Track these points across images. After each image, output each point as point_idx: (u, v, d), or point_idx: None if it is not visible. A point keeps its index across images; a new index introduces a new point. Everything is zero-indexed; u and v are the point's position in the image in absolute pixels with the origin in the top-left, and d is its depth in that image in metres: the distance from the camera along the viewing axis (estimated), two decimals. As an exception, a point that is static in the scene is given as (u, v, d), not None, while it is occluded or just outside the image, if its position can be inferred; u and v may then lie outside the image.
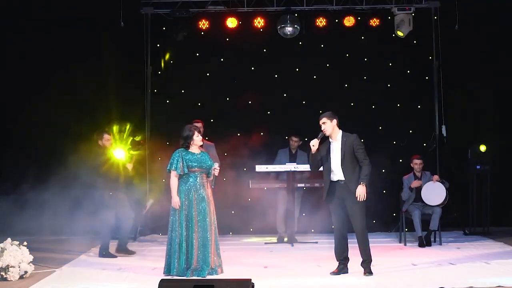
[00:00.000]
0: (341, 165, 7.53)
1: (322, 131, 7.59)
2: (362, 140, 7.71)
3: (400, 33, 11.17)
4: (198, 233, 7.57)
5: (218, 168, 7.78)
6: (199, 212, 7.62)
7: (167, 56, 11.59)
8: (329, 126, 7.58)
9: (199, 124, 9.57)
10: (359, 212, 7.52)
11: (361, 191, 7.45)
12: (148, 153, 11.14)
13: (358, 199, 7.45)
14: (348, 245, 7.70)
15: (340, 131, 7.66)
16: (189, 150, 7.72)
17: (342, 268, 7.65)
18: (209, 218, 7.69)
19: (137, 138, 9.06)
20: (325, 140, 7.67)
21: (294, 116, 11.40)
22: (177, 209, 7.60)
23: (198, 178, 7.67)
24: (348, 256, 7.70)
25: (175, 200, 7.62)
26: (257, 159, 10.47)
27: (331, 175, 7.61)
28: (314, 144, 7.52)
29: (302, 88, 11.60)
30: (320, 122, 7.61)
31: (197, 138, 7.72)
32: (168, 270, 7.61)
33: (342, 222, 7.64)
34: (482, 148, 10.81)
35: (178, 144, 7.83)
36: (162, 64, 11.56)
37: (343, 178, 7.53)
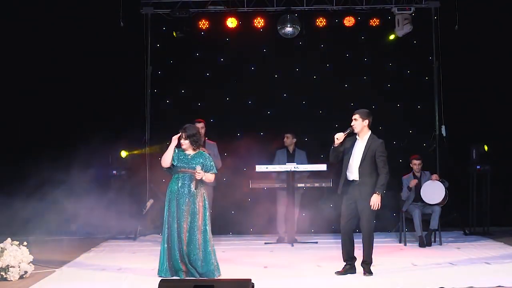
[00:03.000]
0: (359, 166, 7.52)
1: (351, 126, 7.58)
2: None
3: (394, 34, 11.21)
4: (178, 235, 7.41)
5: (200, 172, 7.46)
6: (179, 213, 7.44)
7: (167, 56, 11.58)
8: (359, 124, 7.55)
9: (200, 124, 9.57)
10: (368, 215, 7.51)
11: (375, 201, 7.42)
12: (148, 153, 11.15)
13: (372, 208, 7.44)
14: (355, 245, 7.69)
15: (369, 132, 7.62)
16: (181, 149, 7.61)
17: (349, 269, 7.62)
18: (194, 220, 7.47)
19: None
20: (353, 136, 7.65)
21: (294, 116, 11.41)
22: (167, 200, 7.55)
23: (186, 180, 7.50)
24: (355, 256, 7.68)
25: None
26: (257, 159, 10.47)
27: (348, 173, 7.59)
28: (339, 137, 7.49)
29: (302, 88, 11.61)
30: (352, 117, 7.60)
31: (182, 141, 7.57)
32: (159, 271, 7.51)
33: (351, 222, 7.61)
34: (486, 148, 10.81)
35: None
36: (162, 64, 11.55)
37: (358, 179, 7.53)
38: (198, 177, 7.50)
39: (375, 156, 7.50)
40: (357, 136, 7.63)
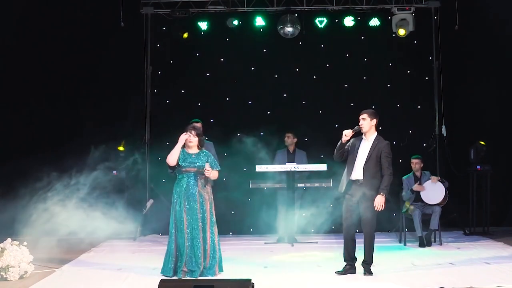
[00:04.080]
0: (364, 165, 7.53)
1: (359, 125, 7.60)
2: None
3: (401, 32, 11.14)
4: (187, 234, 7.50)
5: (209, 169, 7.63)
6: (188, 212, 7.54)
7: (167, 56, 11.58)
8: (367, 123, 7.58)
9: (198, 125, 9.58)
10: (371, 216, 7.52)
11: (379, 202, 7.43)
12: (148, 153, 11.15)
13: (375, 209, 7.44)
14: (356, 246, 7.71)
15: (376, 133, 7.65)
16: (184, 149, 7.68)
17: (349, 269, 7.64)
18: (203, 218, 7.59)
19: None
20: (359, 136, 7.68)
21: (294, 116, 11.41)
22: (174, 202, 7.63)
23: (191, 178, 7.61)
24: (356, 256, 7.69)
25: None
26: (257, 159, 10.47)
27: (352, 173, 7.60)
28: (347, 134, 7.52)
29: (302, 88, 11.61)
30: (360, 117, 7.62)
31: (192, 140, 7.66)
32: (163, 270, 7.60)
33: (352, 222, 7.62)
34: (483, 143, 10.82)
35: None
36: (162, 64, 11.55)
37: (361, 178, 7.52)
38: (207, 175, 7.63)
39: (380, 157, 7.51)
40: (363, 136, 7.65)
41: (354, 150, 7.63)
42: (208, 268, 7.54)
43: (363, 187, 7.50)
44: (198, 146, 7.74)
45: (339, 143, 7.62)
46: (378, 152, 7.53)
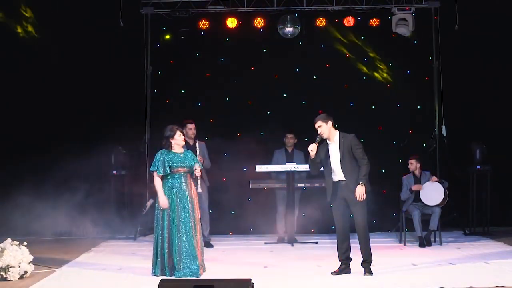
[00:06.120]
0: (341, 166, 7.54)
1: (319, 134, 7.59)
2: (362, 140, 7.75)
3: (405, 33, 11.13)
4: (181, 233, 7.52)
5: (199, 168, 7.70)
6: (183, 212, 7.57)
7: (167, 56, 11.58)
8: (325, 128, 7.56)
9: (191, 125, 9.60)
10: (360, 211, 7.53)
11: (359, 191, 7.45)
12: (148, 153, 11.14)
13: (357, 199, 7.45)
14: (351, 245, 7.70)
15: (337, 132, 7.65)
16: (172, 150, 7.68)
17: (344, 268, 7.65)
18: (194, 218, 7.63)
19: None
20: (323, 142, 7.67)
21: (294, 116, 11.40)
22: (164, 208, 7.56)
23: (182, 178, 7.64)
24: (351, 256, 7.70)
25: (163, 200, 7.56)
26: (257, 159, 10.47)
27: (333, 176, 7.62)
28: (312, 149, 7.52)
29: (302, 88, 11.60)
30: (316, 126, 7.59)
31: (179, 138, 7.69)
32: (154, 270, 7.60)
33: (344, 221, 7.64)
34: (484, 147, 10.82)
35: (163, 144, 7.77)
36: (162, 64, 11.54)
37: (344, 178, 7.54)
38: (198, 174, 7.69)
39: (352, 151, 7.51)
40: (328, 141, 7.64)
41: (326, 157, 7.63)
42: (196, 272, 7.51)
43: (347, 186, 7.52)
44: (182, 145, 7.79)
45: (309, 160, 7.64)
46: (348, 148, 7.53)
